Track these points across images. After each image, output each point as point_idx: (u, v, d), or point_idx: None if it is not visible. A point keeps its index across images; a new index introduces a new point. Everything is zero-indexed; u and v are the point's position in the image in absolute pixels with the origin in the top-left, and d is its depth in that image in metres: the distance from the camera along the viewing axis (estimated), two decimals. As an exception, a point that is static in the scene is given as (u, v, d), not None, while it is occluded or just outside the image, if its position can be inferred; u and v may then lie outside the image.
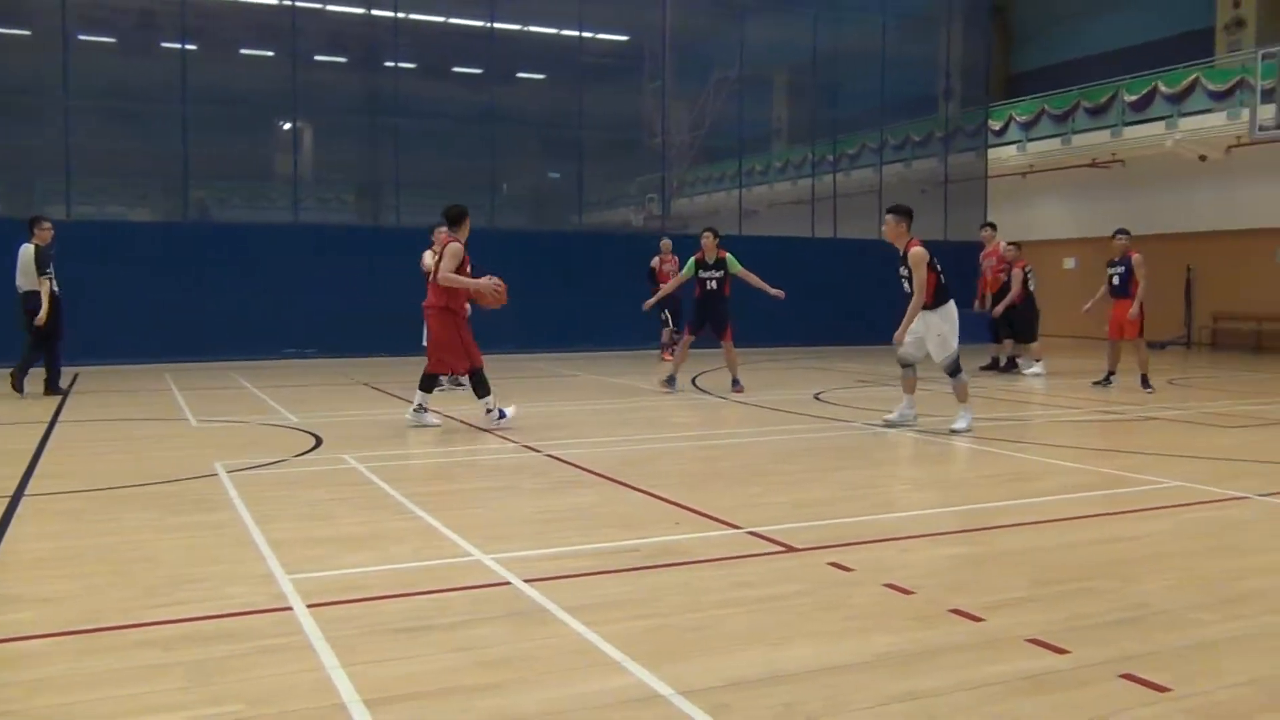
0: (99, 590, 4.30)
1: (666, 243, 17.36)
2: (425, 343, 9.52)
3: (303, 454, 7.83)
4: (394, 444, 8.48)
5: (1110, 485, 6.67)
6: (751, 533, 5.30)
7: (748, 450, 8.33)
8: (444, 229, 9.39)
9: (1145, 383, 12.42)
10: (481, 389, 9.06)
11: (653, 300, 13.38)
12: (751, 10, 22.46)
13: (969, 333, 9.92)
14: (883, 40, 22.94)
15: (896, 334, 9.12)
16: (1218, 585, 4.39)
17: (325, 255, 17.78)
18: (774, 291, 11.93)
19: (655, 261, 17.27)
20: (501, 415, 9.06)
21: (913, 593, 4.24)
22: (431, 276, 9.14)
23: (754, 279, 12.01)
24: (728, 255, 12.09)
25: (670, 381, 12.36)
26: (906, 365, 9.33)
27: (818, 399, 11.69)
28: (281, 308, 17.34)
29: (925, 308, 8.97)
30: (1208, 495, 6.29)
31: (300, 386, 13.29)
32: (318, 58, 20.85)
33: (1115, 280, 12.67)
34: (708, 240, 12.16)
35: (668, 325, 17.00)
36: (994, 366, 15.55)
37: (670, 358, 15.67)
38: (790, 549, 4.96)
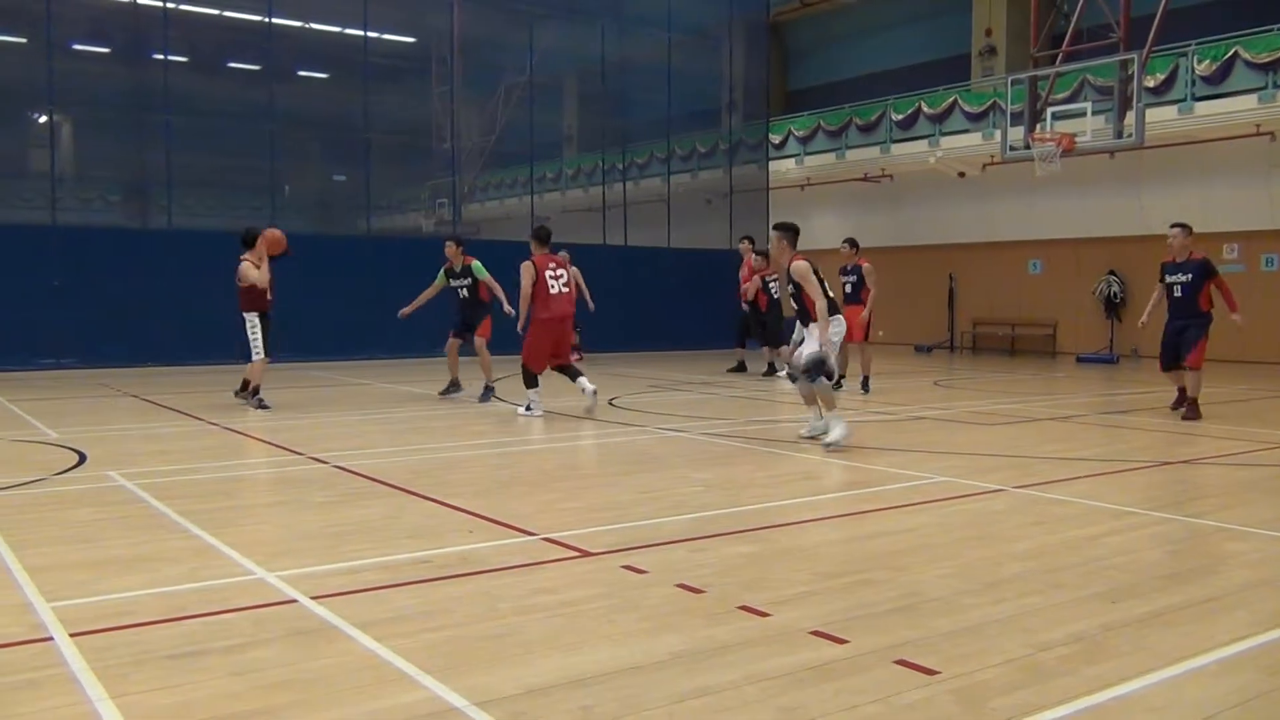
0: None
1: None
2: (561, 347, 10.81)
3: (63, 472, 7.26)
4: (167, 459, 7.99)
5: (883, 482, 7.05)
6: (547, 539, 5.30)
7: (542, 457, 8.33)
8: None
9: (865, 385, 13.01)
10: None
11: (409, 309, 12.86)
12: (540, 18, 22.50)
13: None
14: (668, 54, 23.47)
15: (822, 344, 8.54)
16: (980, 572, 4.72)
17: (88, 259, 16.57)
18: (507, 309, 11.75)
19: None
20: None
21: (704, 591, 4.34)
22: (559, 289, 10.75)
23: (496, 288, 12.05)
24: (474, 262, 12.17)
25: (454, 386, 12.48)
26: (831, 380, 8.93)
27: (612, 404, 11.82)
28: (38, 314, 16.03)
29: (804, 321, 8.67)
30: (969, 489, 6.75)
31: (60, 399, 12.33)
32: (76, 46, 19.45)
33: (847, 288, 13.22)
34: (451, 249, 12.25)
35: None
36: (740, 369, 16.21)
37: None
38: (586, 553, 4.99)
